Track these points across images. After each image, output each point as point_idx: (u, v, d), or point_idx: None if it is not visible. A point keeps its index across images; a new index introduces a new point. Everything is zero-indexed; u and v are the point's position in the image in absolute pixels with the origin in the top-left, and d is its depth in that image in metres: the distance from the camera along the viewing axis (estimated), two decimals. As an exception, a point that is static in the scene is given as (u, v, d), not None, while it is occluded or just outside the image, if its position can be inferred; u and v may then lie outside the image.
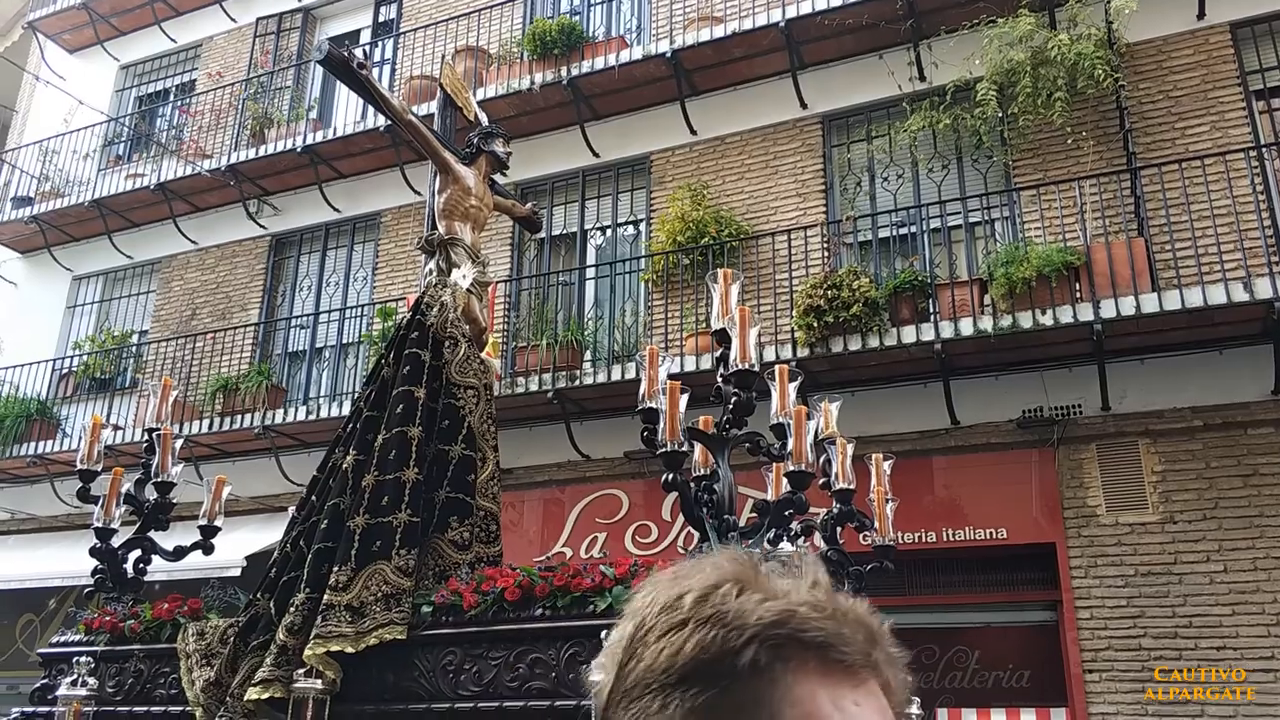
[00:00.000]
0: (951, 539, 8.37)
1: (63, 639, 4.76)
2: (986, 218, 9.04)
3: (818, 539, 4.96)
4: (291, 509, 4.64)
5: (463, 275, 4.84)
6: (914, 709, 4.08)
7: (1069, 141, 8.63)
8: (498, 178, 5.48)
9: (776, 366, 3.92)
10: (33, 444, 12.11)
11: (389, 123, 10.93)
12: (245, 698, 3.75)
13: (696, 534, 3.63)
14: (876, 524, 4.69)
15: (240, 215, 12.71)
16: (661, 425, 3.60)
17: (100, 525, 4.75)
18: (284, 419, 10.75)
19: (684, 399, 3.65)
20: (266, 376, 11.19)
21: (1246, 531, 7.55)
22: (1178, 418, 7.97)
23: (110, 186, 13.29)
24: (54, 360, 13.21)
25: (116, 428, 11.34)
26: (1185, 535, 7.72)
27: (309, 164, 11.95)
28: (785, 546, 4.40)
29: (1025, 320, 7.78)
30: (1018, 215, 8.88)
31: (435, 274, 4.86)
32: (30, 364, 12.80)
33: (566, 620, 3.47)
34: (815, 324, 8.36)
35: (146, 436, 4.99)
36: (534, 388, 9.45)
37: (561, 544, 9.70)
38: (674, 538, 8.95)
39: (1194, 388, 7.92)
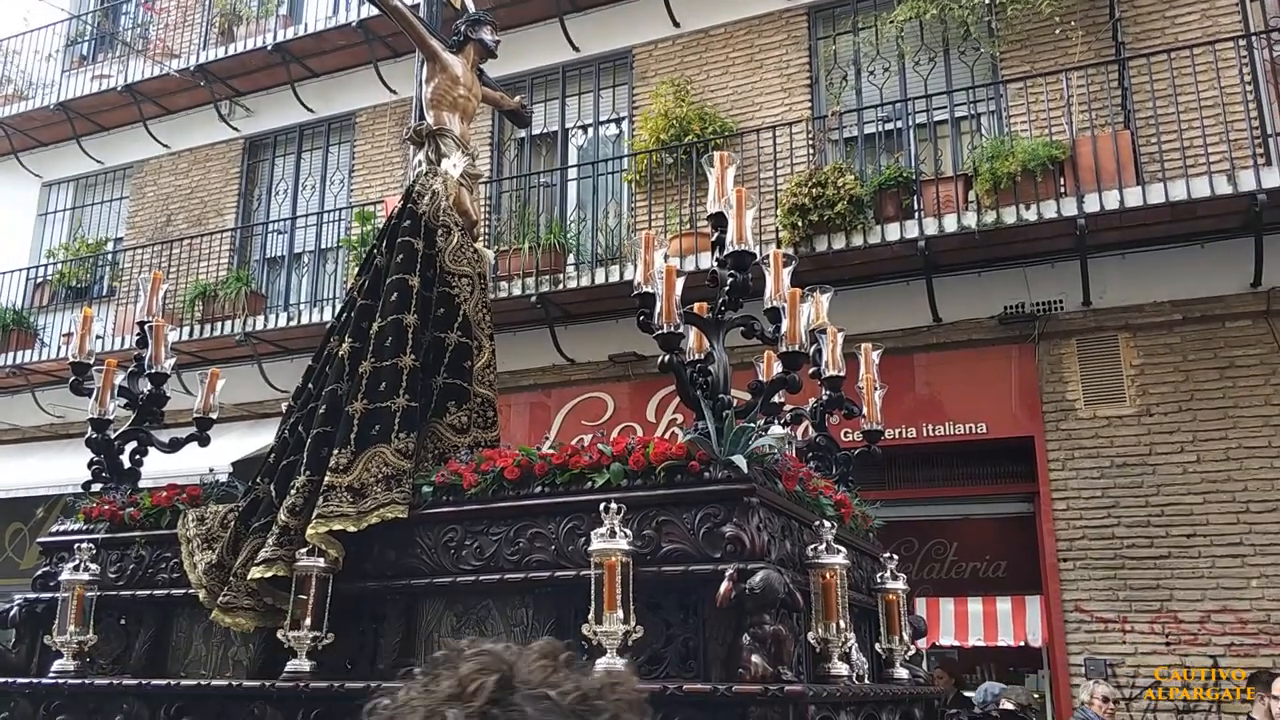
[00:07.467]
0: (932, 434, 8.53)
1: (62, 528, 4.79)
2: (973, 112, 8.97)
3: (807, 426, 5.05)
4: (285, 402, 4.64)
5: (453, 165, 4.78)
6: (900, 584, 4.21)
7: (1057, 32, 8.54)
8: (485, 67, 5.37)
9: (771, 251, 3.92)
10: (11, 354, 12.00)
11: (361, 19, 10.70)
12: (249, 577, 3.80)
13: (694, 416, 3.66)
14: (865, 410, 4.77)
15: (212, 117, 12.42)
16: (658, 309, 3.61)
17: (95, 417, 4.74)
18: (265, 325, 10.69)
19: (680, 282, 3.66)
20: (245, 283, 11.09)
21: (1220, 422, 7.74)
22: (1157, 311, 8.08)
23: (76, 88, 12.92)
24: (28, 269, 13.01)
25: (95, 336, 11.25)
26: (1160, 427, 7.90)
27: (280, 62, 11.66)
28: (776, 429, 4.47)
29: (1009, 215, 7.80)
30: (1004, 109, 8.82)
31: (425, 165, 4.80)
32: (3, 273, 12.59)
33: (565, 496, 3.53)
34: (800, 223, 8.34)
35: (138, 330, 4.95)
36: (516, 292, 9.41)
37: (548, 447, 9.79)
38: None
39: (1174, 281, 8.02)
